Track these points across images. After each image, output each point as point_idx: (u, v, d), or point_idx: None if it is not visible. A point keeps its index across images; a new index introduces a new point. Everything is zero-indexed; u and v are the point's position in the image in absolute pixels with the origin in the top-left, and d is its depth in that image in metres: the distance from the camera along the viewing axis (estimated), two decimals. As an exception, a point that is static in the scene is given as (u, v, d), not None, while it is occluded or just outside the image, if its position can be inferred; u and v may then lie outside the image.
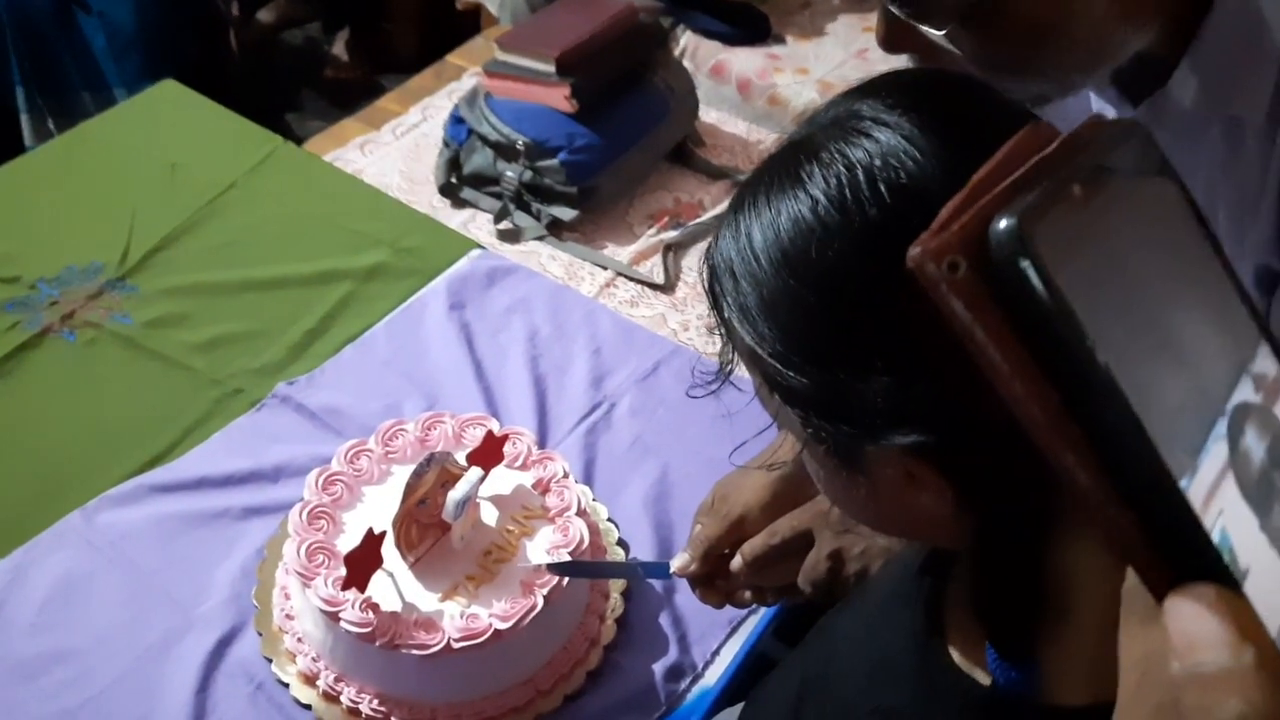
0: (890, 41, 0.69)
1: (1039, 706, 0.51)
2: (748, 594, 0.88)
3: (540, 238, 1.42)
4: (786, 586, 0.84)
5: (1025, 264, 0.28)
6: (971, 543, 0.53)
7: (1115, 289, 0.29)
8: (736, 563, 0.85)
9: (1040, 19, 0.64)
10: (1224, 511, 0.29)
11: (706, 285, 0.54)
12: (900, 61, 0.74)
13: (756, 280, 0.49)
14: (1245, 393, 0.31)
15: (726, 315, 0.52)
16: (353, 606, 0.88)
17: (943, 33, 0.64)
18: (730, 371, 0.57)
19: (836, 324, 0.48)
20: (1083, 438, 0.29)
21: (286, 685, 0.93)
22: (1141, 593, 0.30)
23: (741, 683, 0.97)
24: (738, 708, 0.87)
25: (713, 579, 0.88)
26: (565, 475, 1.01)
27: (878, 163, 0.47)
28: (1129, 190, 0.31)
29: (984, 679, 0.54)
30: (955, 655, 0.56)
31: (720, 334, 0.54)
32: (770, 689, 0.78)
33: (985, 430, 0.47)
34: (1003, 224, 0.28)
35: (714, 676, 0.98)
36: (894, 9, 0.65)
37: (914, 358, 0.46)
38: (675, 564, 0.88)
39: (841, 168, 0.48)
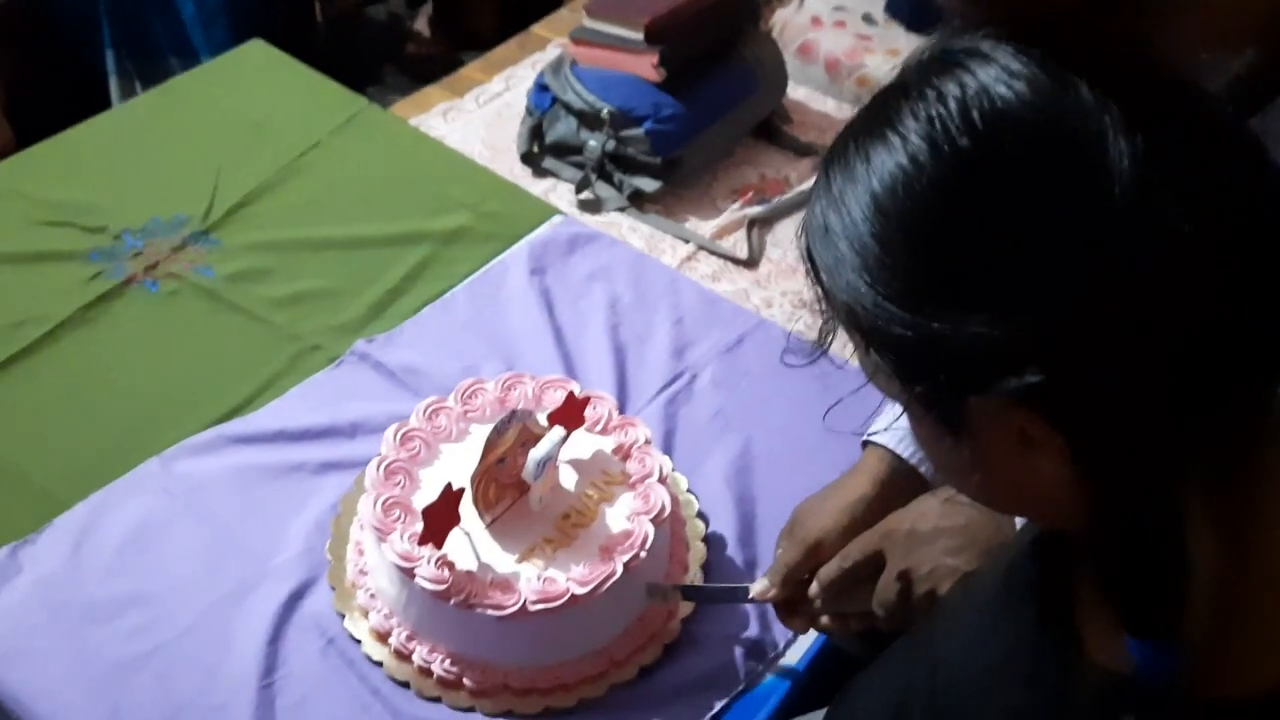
0: None
1: (1187, 699, 0.47)
2: (825, 619, 0.86)
3: (621, 209, 1.40)
4: (868, 613, 0.82)
5: None
6: (1093, 515, 0.49)
7: None
8: (813, 589, 0.84)
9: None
10: None
11: (804, 251, 0.51)
12: None
13: (848, 230, 0.47)
14: None
15: (822, 276, 0.50)
16: (428, 563, 0.86)
17: None
18: (830, 343, 0.54)
19: (929, 261, 0.45)
20: None
21: (358, 641, 0.92)
22: None
23: (823, 668, 0.94)
24: (818, 714, 0.83)
25: (795, 604, 0.87)
26: (647, 442, 0.98)
27: (971, 91, 0.45)
28: None
29: (1123, 667, 0.49)
30: (1088, 644, 0.52)
31: (819, 305, 0.52)
32: (857, 704, 0.73)
33: (1100, 370, 0.43)
34: None
35: (795, 656, 0.94)
36: None
37: (1013, 290, 0.43)
38: (755, 589, 0.88)
39: (933, 100, 0.45)
